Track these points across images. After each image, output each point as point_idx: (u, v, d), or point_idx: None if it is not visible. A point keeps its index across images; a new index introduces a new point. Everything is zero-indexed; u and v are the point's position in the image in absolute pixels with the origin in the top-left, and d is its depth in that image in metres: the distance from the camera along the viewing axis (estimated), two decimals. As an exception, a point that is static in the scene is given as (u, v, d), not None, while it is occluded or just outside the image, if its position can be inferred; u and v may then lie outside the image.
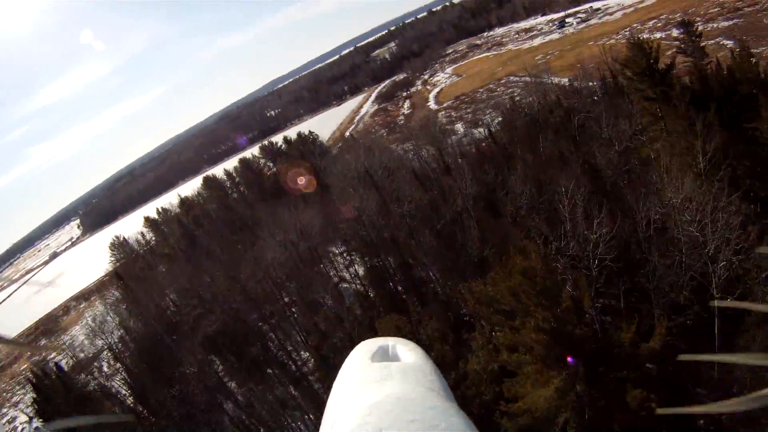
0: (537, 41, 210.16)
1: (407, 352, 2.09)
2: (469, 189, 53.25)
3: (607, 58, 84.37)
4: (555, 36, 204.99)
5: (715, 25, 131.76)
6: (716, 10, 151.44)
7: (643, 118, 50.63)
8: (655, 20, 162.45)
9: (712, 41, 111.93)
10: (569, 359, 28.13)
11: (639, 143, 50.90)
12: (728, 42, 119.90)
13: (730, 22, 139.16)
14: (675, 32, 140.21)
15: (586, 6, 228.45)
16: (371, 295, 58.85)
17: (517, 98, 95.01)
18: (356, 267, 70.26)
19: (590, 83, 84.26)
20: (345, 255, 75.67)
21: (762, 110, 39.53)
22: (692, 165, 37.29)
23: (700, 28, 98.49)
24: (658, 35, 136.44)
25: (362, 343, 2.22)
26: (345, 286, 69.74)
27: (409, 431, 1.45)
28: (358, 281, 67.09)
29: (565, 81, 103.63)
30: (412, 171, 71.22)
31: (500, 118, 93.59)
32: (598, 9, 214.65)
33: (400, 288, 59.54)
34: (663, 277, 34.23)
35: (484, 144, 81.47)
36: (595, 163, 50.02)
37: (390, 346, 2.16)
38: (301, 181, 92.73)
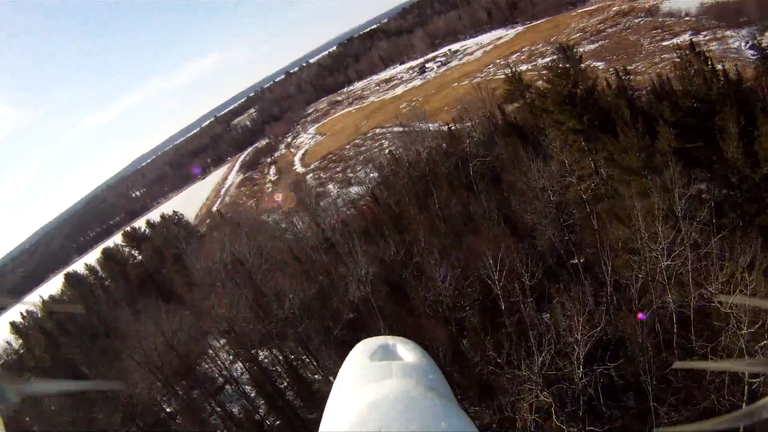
0: (399, 89, 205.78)
1: (407, 351, 2.04)
2: (363, 271, 43.00)
3: (487, 96, 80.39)
4: (417, 82, 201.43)
5: (581, 50, 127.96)
6: (578, 35, 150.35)
7: (570, 154, 44.25)
8: (518, 53, 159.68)
9: (583, 65, 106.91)
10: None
11: (572, 185, 43.35)
12: (599, 63, 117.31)
13: (596, 45, 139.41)
14: (541, 62, 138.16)
15: (444, 49, 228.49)
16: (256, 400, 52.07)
17: (393, 149, 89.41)
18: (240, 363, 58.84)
19: (467, 123, 78.05)
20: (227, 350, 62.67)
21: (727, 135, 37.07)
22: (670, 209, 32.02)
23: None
24: (524, 67, 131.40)
25: (362, 342, 2.14)
26: (228, 388, 60.48)
27: (409, 430, 1.48)
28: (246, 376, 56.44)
29: (439, 125, 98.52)
30: (290, 251, 60.99)
31: (375, 174, 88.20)
32: (457, 51, 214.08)
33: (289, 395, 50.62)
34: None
35: (364, 206, 73.38)
36: (521, 220, 44.53)
37: (390, 344, 2.09)
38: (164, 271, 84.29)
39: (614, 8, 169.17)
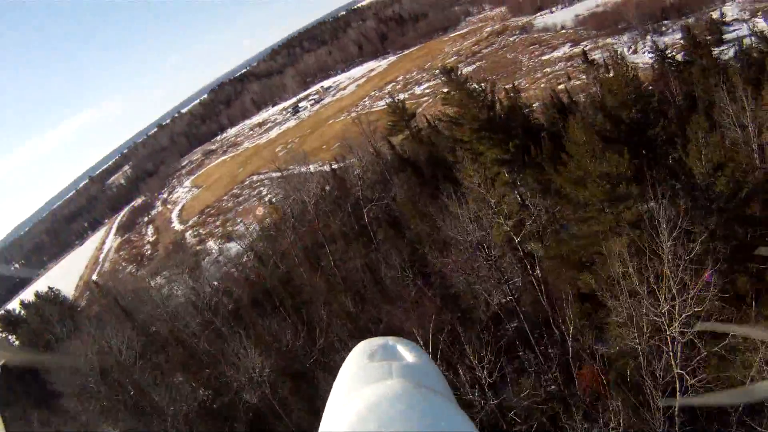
0: (274, 132, 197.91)
1: (407, 351, 2.00)
2: (256, 368, 33.44)
3: (368, 130, 73.64)
4: (292, 123, 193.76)
5: (459, 72, 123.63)
6: (454, 59, 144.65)
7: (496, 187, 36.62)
8: (393, 83, 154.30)
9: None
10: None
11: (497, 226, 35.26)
12: (479, 86, 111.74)
13: (474, 66, 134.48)
14: (417, 90, 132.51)
15: (317, 86, 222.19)
16: None
17: (273, 197, 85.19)
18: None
19: (352, 160, 69.53)
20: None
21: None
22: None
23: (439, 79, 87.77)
24: (402, 96, 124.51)
25: (362, 342, 2.09)
26: None
27: (409, 430, 1.47)
28: None
29: (320, 165, 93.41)
30: (172, 334, 49.27)
31: (256, 226, 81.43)
32: (330, 87, 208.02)
33: None
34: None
35: (249, 268, 63.46)
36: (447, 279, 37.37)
37: (390, 345, 2.04)
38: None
39: (487, 29, 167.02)
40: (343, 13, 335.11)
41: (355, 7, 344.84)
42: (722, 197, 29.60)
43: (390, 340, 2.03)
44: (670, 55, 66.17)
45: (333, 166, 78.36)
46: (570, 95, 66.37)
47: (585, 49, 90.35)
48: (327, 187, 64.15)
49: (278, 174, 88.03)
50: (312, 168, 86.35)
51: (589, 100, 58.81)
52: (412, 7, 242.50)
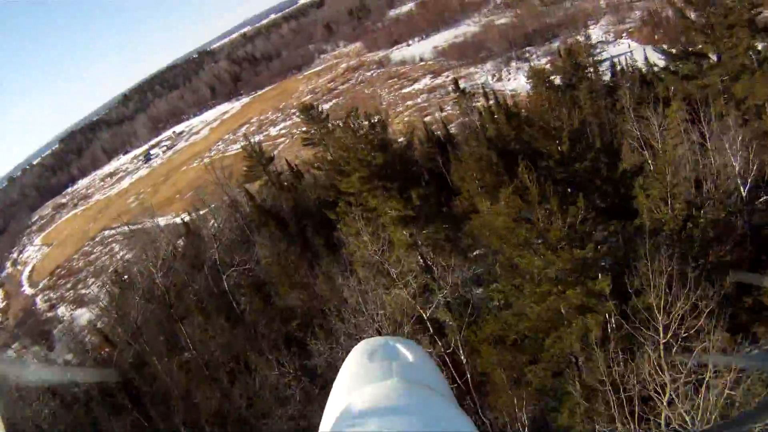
0: (125, 182, 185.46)
1: (407, 350, 1.95)
2: None
3: (222, 177, 64.58)
4: (143, 171, 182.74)
5: (320, 109, 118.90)
6: (310, 97, 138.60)
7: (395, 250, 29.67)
8: (247, 125, 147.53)
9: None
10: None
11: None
12: (337, 122, 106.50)
13: (331, 103, 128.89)
14: (273, 131, 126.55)
15: (168, 132, 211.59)
16: None
17: (124, 258, 78.95)
18: None
19: (205, 211, 65.73)
20: None
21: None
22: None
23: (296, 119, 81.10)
24: (257, 138, 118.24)
25: (362, 342, 2.06)
26: None
27: (409, 430, 1.45)
28: None
29: (172, 218, 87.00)
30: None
31: (106, 289, 65.50)
32: (182, 132, 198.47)
33: None
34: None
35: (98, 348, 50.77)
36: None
37: (390, 344, 2.00)
38: None
39: (343, 65, 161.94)
40: (196, 56, 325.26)
41: (208, 49, 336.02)
42: (696, 240, 24.88)
43: (390, 339, 1.99)
44: (548, 80, 61.77)
45: (186, 219, 70.48)
46: (447, 127, 60.46)
47: (457, 77, 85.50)
48: (180, 243, 57.09)
49: (130, 228, 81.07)
50: (164, 221, 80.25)
51: (469, 131, 54.33)
52: (265, 47, 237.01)
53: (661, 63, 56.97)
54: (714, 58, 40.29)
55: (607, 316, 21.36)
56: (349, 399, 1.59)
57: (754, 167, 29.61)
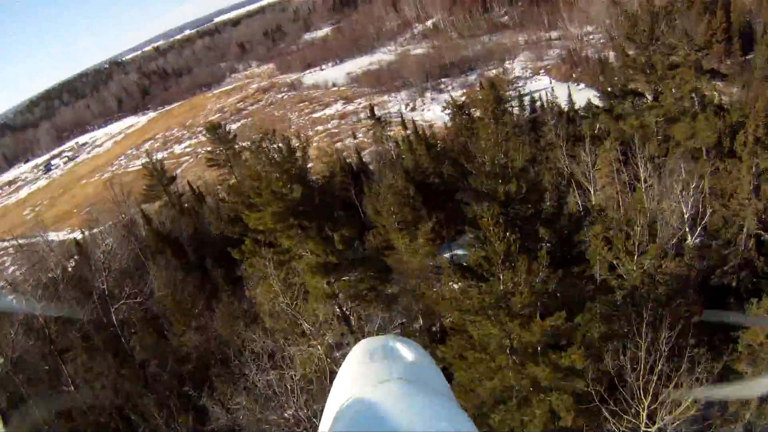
0: (24, 192, 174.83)
1: (407, 350, 1.96)
2: None
3: (121, 194, 60.21)
4: (43, 182, 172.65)
5: (227, 129, 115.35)
6: (218, 116, 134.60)
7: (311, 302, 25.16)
8: (152, 141, 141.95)
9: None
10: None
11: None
12: (246, 144, 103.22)
13: (238, 124, 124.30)
14: (178, 149, 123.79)
15: (72, 143, 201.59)
16: None
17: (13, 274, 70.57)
18: None
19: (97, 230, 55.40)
20: None
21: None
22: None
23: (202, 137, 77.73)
24: (160, 155, 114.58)
25: (362, 341, 2.07)
26: None
27: (409, 430, 1.44)
28: None
29: (68, 235, 79.37)
30: None
31: None
32: (86, 143, 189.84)
33: None
34: None
35: None
36: None
37: (390, 344, 2.01)
38: None
39: (254, 86, 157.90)
40: (107, 66, 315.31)
41: (120, 60, 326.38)
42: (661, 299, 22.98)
43: (390, 339, 1.99)
44: (466, 112, 60.16)
45: (78, 237, 65.22)
46: (360, 155, 57.97)
47: (371, 104, 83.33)
48: (72, 263, 50.28)
49: (19, 243, 75.17)
50: (57, 237, 76.07)
51: (384, 161, 52.41)
52: (176, 62, 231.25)
53: (583, 99, 56.24)
54: (650, 97, 39.22)
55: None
56: (350, 399, 1.60)
57: (701, 211, 29.66)
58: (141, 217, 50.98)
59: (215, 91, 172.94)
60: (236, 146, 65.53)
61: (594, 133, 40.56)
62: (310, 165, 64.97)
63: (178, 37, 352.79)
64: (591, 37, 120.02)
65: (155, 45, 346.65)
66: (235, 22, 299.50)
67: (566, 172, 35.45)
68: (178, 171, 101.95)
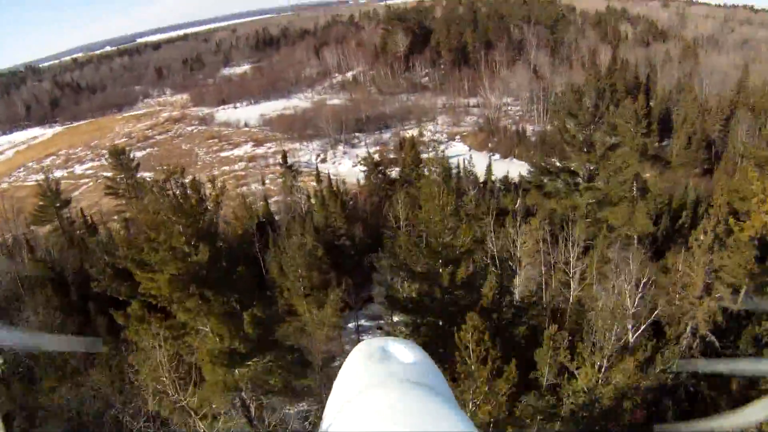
0: None
1: (408, 351, 1.85)
2: None
3: (11, 211, 58.82)
4: None
5: (131, 157, 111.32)
6: (124, 140, 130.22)
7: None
8: (54, 157, 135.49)
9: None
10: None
11: None
12: (147, 174, 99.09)
13: (144, 152, 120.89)
14: (79, 169, 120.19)
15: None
16: None
17: None
18: None
19: None
20: None
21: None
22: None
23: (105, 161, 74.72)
24: (59, 174, 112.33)
25: (362, 343, 1.93)
26: None
27: (409, 431, 1.53)
28: None
29: None
30: None
31: None
32: None
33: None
34: None
35: None
36: None
37: (390, 345, 1.89)
38: None
39: (165, 114, 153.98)
40: (22, 69, 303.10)
41: (37, 66, 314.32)
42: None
43: (390, 340, 1.89)
44: (381, 170, 59.59)
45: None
46: (268, 204, 56.35)
47: (283, 150, 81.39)
48: None
49: None
50: None
51: (293, 214, 50.52)
52: (92, 78, 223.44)
53: (500, 170, 55.82)
54: (584, 177, 38.62)
55: None
56: (349, 401, 1.54)
57: (642, 305, 27.41)
58: (25, 241, 47.40)
59: (126, 114, 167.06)
60: (138, 177, 63.31)
61: (515, 208, 39.73)
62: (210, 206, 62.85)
63: (98, 51, 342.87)
64: (509, 108, 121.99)
65: (74, 56, 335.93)
66: (156, 46, 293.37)
67: (490, 249, 34.07)
68: (76, 193, 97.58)
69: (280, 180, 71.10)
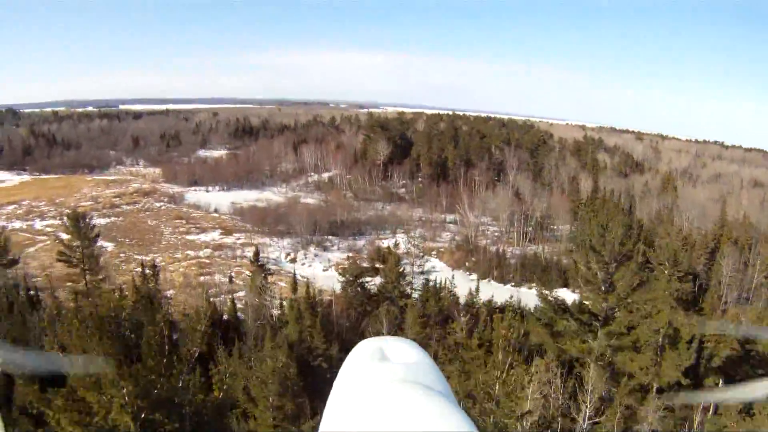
0: None
1: (408, 351, 1.89)
2: None
3: None
4: None
5: (95, 222, 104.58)
6: (90, 203, 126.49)
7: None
8: (16, 206, 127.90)
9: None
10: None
11: None
12: (108, 244, 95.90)
13: (108, 220, 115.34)
14: (38, 224, 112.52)
15: None
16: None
17: None
18: None
19: None
20: None
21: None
22: None
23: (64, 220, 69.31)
24: (18, 224, 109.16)
25: (362, 342, 1.97)
26: None
27: (409, 431, 1.40)
28: None
29: None
30: None
31: None
32: None
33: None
34: None
35: None
36: None
37: (390, 344, 1.93)
38: None
39: (135, 184, 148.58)
40: (2, 111, 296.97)
41: (17, 110, 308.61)
42: None
43: (390, 339, 1.94)
44: (360, 283, 55.32)
45: None
46: (234, 305, 51.04)
47: (252, 244, 76.17)
48: None
49: None
50: None
51: (263, 321, 46.10)
52: (69, 133, 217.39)
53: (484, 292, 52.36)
54: (598, 319, 34.55)
55: None
56: (349, 400, 1.57)
57: None
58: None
59: (96, 177, 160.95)
60: (96, 246, 58.26)
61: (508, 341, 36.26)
62: (169, 292, 56.83)
63: (80, 109, 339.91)
64: (486, 228, 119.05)
65: (56, 109, 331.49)
66: (137, 116, 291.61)
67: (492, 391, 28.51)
68: (32, 249, 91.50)
69: (247, 275, 66.29)
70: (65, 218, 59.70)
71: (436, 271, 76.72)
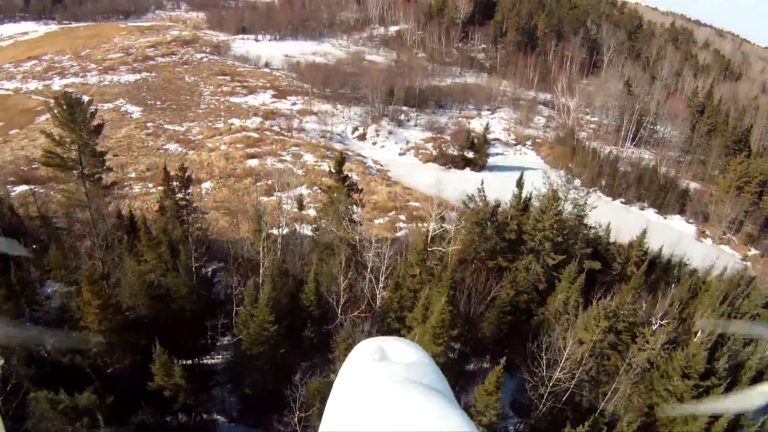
0: None
1: (408, 351, 1.97)
2: None
3: None
4: None
5: (117, 78, 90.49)
6: (119, 56, 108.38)
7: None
8: (36, 61, 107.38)
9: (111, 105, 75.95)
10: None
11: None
12: (134, 109, 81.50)
13: (137, 76, 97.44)
14: (56, 83, 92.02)
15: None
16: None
17: None
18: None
19: None
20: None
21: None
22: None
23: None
24: (33, 85, 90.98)
25: (363, 342, 2.05)
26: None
27: (410, 430, 1.43)
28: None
29: None
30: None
31: None
32: None
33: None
34: None
35: None
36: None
37: (391, 345, 2.01)
38: None
39: (173, 32, 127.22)
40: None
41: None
42: None
43: (390, 339, 1.99)
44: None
45: None
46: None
47: (312, 112, 55.65)
48: None
49: None
50: None
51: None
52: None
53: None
54: None
55: None
56: (351, 399, 1.60)
57: None
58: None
59: (130, 24, 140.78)
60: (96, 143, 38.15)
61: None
62: (205, 186, 42.04)
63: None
64: (581, 117, 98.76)
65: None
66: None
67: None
68: (40, 120, 72.63)
69: (308, 160, 53.83)
70: (54, 105, 37.83)
71: (532, 168, 61.07)
